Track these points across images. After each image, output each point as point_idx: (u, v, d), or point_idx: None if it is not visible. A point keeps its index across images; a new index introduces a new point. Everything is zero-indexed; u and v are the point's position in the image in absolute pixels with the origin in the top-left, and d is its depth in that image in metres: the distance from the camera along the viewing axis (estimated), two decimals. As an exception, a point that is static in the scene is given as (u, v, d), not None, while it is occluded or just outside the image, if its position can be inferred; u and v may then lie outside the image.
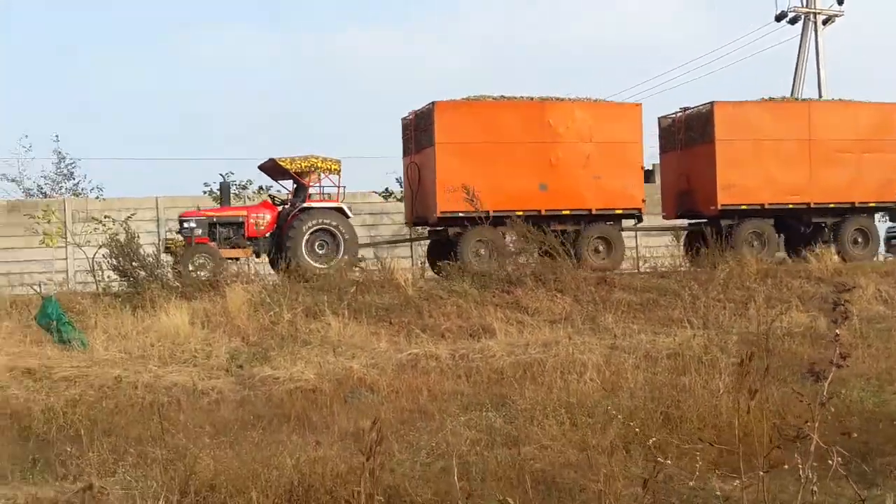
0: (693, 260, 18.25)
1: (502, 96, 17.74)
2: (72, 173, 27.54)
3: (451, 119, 17.14)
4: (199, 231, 16.30)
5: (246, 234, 16.67)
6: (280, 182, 18.02)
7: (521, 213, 16.73)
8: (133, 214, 17.51)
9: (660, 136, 20.50)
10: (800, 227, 19.12)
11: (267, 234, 16.81)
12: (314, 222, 16.41)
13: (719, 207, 18.17)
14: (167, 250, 16.60)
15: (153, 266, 14.96)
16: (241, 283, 14.53)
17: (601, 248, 17.69)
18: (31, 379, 10.33)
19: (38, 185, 27.26)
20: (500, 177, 16.95)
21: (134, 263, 14.83)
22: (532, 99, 17.73)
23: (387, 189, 25.06)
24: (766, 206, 18.41)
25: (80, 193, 26.65)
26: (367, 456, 3.94)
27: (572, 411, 8.45)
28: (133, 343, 12.00)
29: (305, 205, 16.69)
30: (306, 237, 16.33)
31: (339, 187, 17.30)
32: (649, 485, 3.60)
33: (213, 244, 16.24)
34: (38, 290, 14.12)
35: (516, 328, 13.10)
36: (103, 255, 16.16)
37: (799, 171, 18.50)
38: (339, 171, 17.20)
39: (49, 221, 19.67)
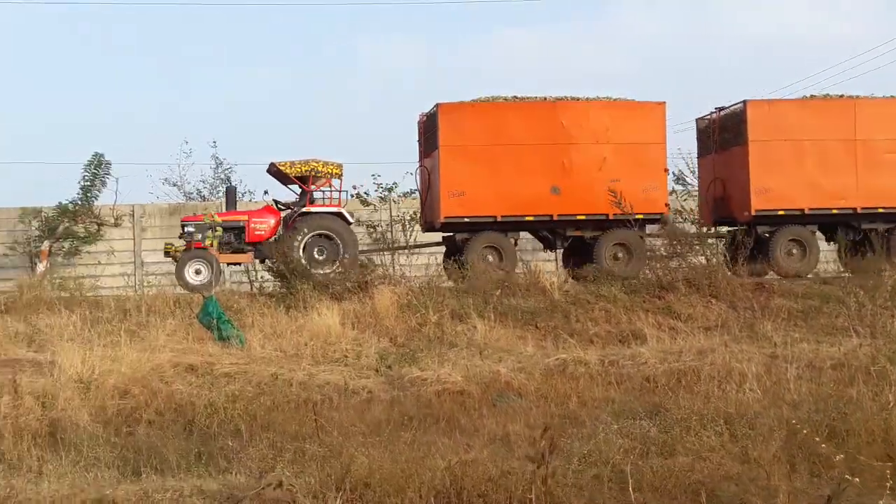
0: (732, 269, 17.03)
1: (515, 97, 17.18)
2: (228, 178, 28.79)
3: (457, 121, 16.74)
4: (199, 236, 16.52)
5: (247, 239, 16.76)
6: (289, 187, 17.76)
7: (531, 217, 16.52)
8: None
9: (697, 138, 19.59)
10: (849, 234, 17.76)
11: (270, 239, 16.76)
12: (312, 227, 16.41)
13: (753, 213, 17.23)
14: (166, 254, 17.14)
15: (305, 267, 15.47)
16: (389, 285, 14.84)
17: (620, 254, 16.88)
18: (193, 375, 10.80)
19: (198, 189, 28.62)
20: (508, 180, 16.50)
21: (288, 264, 15.36)
22: (545, 99, 17.13)
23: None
24: (807, 212, 17.33)
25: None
26: (539, 463, 3.90)
27: (731, 422, 8.17)
28: (287, 342, 12.43)
29: (304, 210, 16.69)
30: (304, 242, 16.29)
31: (340, 192, 17.33)
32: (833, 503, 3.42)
33: (212, 249, 16.54)
34: (207, 294, 14.83)
35: (668, 334, 12.81)
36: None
37: (844, 173, 17.30)
38: (341, 175, 17.10)
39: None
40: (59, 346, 11.18)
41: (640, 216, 16.83)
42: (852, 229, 17.72)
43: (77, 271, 20.63)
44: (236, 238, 16.80)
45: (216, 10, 60.00)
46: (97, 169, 22.78)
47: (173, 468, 7.73)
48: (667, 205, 17.19)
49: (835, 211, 17.34)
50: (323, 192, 17.36)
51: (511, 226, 16.85)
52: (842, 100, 17.94)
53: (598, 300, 14.25)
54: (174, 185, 28.22)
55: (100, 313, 13.57)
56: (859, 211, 17.40)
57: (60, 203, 21.75)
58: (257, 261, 16.87)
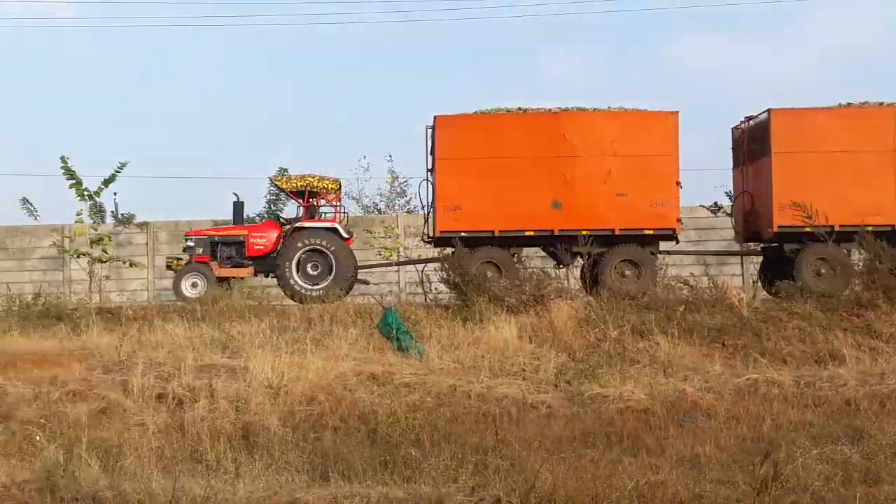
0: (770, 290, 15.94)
1: (520, 108, 16.75)
2: (404, 191, 29.58)
3: (454, 134, 16.49)
4: (200, 250, 17.33)
5: (247, 254, 17.28)
6: (299, 201, 18.00)
7: (531, 232, 16.18)
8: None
9: (732, 148, 18.38)
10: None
11: (271, 254, 17.15)
12: (304, 243, 16.73)
13: (775, 230, 16.11)
14: (168, 268, 17.91)
15: (481, 280, 15.62)
16: (565, 299, 14.79)
17: (628, 272, 16.21)
18: (375, 384, 11.12)
19: (374, 203, 29.49)
20: (507, 194, 16.18)
21: (464, 277, 15.56)
22: (549, 111, 16.60)
23: (715, 203, 24.01)
24: (837, 229, 15.81)
25: (412, 210, 28.53)
26: (758, 490, 3.78)
27: (944, 451, 7.68)
28: (464, 354, 12.56)
29: (298, 224, 17.03)
30: (297, 258, 16.68)
31: (336, 206, 17.89)
32: None
33: (213, 263, 17.17)
34: (379, 300, 15.30)
35: (869, 355, 12.11)
36: (434, 269, 17.32)
37: (881, 188, 16.00)
38: (337, 190, 17.63)
39: (390, 237, 21.35)
40: (250, 352, 11.80)
41: (650, 231, 16.36)
42: None
43: (262, 281, 21.69)
44: (237, 252, 17.50)
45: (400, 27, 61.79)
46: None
47: (359, 474, 8.00)
48: (678, 219, 16.44)
49: (870, 228, 15.75)
50: (333, 206, 18.00)
51: (510, 241, 16.55)
52: (879, 108, 16.53)
53: (791, 318, 13.61)
54: (353, 198, 29.16)
55: (286, 322, 14.20)
56: None
57: (248, 216, 22.97)
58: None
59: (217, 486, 7.38)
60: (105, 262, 15.94)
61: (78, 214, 14.83)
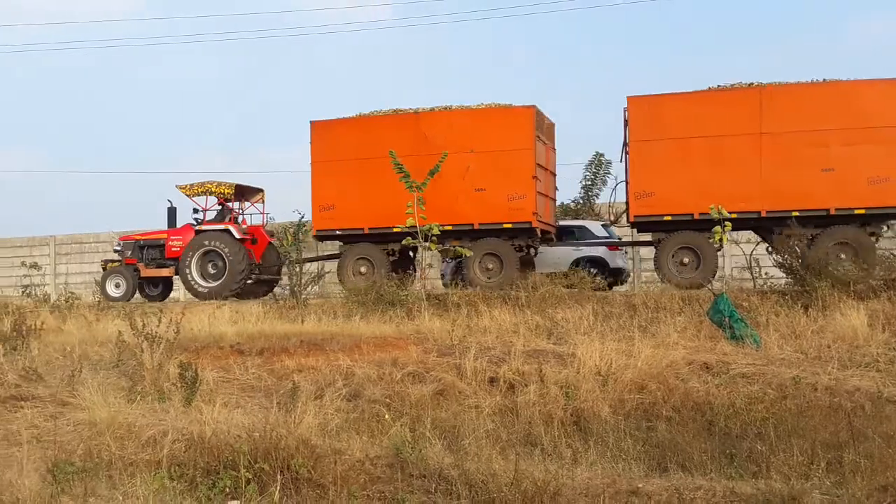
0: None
1: (395, 110, 17.75)
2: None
3: (327, 137, 17.83)
4: (129, 252, 19.81)
5: (166, 255, 19.49)
6: (199, 206, 19.86)
7: (398, 229, 16.38)
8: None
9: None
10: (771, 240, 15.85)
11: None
12: (201, 245, 18.70)
13: (632, 219, 16.52)
14: (103, 269, 20.19)
15: (818, 264, 14.70)
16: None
17: (491, 265, 17.13)
18: (708, 373, 10.86)
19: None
20: (374, 193, 17.30)
21: (804, 261, 14.75)
22: (414, 111, 17.57)
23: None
24: (697, 217, 15.75)
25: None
26: None
27: None
28: (807, 343, 11.95)
29: (197, 228, 19.17)
30: (195, 258, 18.69)
31: (234, 211, 19.78)
32: None
33: (140, 264, 19.56)
34: (710, 286, 14.92)
35: None
36: (767, 251, 16.56)
37: (746, 173, 15.87)
38: (233, 194, 19.29)
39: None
40: (575, 338, 11.99)
41: (509, 225, 16.88)
42: (772, 235, 15.91)
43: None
44: (160, 254, 19.69)
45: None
46: (597, 168, 24.13)
47: (698, 466, 7.89)
48: (534, 213, 16.68)
49: (734, 215, 15.24)
50: (230, 210, 19.81)
51: (381, 238, 17.49)
52: (744, 89, 16.18)
53: None
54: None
55: (609, 308, 14.26)
56: (764, 215, 15.78)
57: (562, 203, 23.27)
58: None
59: (555, 471, 7.58)
60: (433, 250, 17.04)
61: (408, 206, 15.92)
